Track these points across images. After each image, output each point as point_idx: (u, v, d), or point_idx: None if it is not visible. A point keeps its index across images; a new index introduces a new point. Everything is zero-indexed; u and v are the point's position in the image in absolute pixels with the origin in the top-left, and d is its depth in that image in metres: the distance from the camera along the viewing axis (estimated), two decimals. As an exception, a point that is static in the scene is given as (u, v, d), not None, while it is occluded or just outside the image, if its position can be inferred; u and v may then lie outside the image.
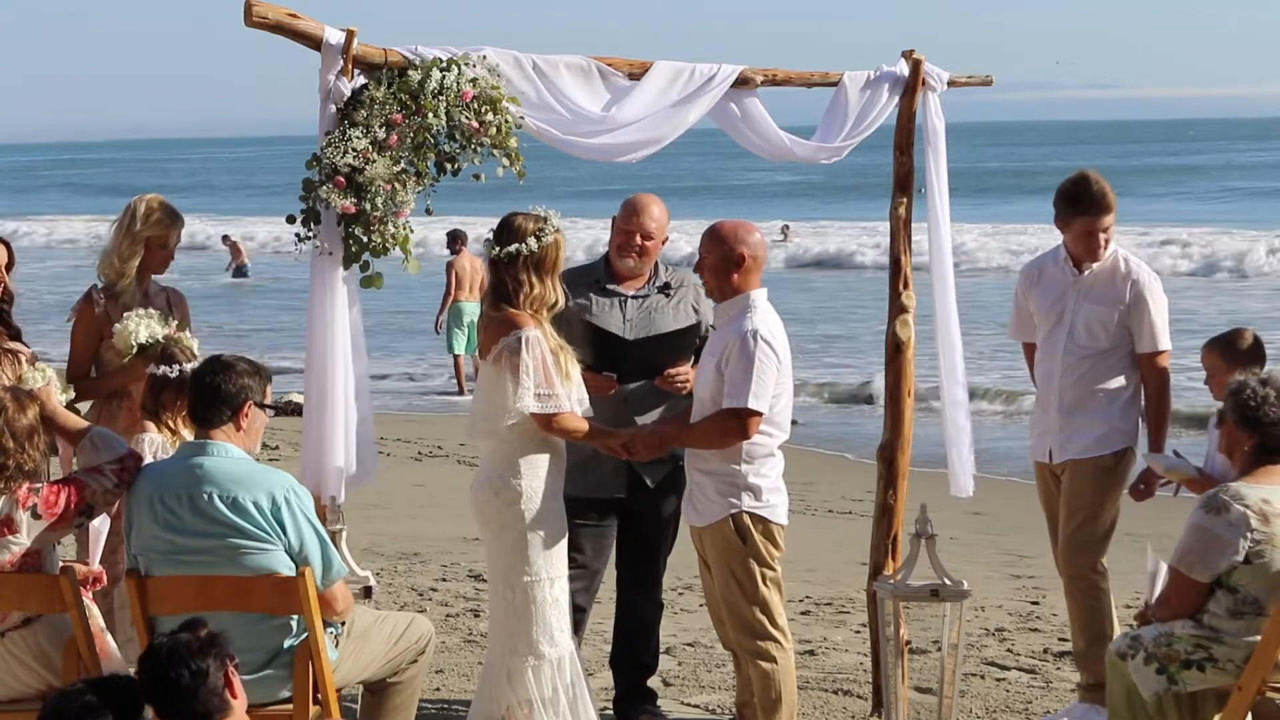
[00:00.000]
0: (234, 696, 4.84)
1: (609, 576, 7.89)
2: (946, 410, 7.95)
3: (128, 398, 7.56)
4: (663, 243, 7.64)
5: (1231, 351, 7.38)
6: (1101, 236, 7.70)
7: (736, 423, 6.75)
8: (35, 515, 6.05)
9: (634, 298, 7.57)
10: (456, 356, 21.36)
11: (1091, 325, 7.69)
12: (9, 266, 7.53)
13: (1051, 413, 7.79)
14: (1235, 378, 6.57)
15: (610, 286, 7.59)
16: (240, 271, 38.43)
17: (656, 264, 7.69)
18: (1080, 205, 7.70)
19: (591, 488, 7.44)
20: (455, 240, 21.77)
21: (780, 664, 6.94)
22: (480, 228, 6.68)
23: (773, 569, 6.92)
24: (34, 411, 6.18)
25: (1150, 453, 7.70)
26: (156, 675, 4.80)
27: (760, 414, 6.74)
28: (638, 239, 7.54)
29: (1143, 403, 7.76)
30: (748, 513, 6.86)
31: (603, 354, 7.29)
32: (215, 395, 6.10)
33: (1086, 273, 7.74)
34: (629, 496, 7.56)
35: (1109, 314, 7.67)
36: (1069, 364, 7.74)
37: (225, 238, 41.14)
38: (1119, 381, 7.68)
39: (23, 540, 6.06)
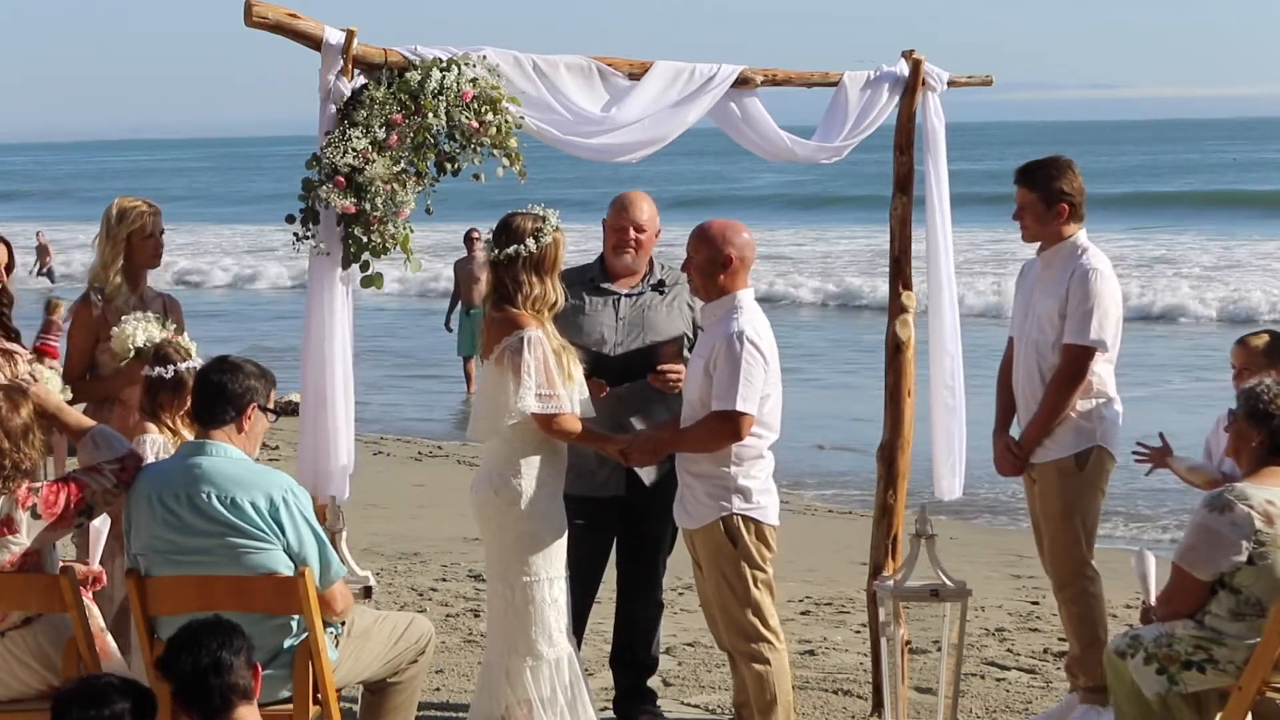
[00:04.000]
0: (256, 690, 4.89)
1: (609, 576, 7.89)
2: (937, 414, 7.91)
3: (120, 404, 7.57)
4: (655, 235, 7.64)
5: (1265, 348, 7.36)
6: (1021, 213, 7.60)
7: (728, 425, 6.74)
8: (35, 515, 6.05)
9: (627, 296, 7.58)
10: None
11: (1041, 320, 7.55)
12: (9, 268, 7.53)
13: (1021, 415, 7.74)
14: (1250, 381, 6.57)
15: (604, 285, 7.59)
16: (45, 272, 38.49)
17: (652, 261, 7.69)
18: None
19: (590, 487, 7.44)
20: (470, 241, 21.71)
21: (774, 665, 6.93)
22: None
23: (764, 570, 6.91)
24: (28, 410, 6.16)
25: (1180, 457, 7.64)
26: (190, 644, 4.83)
27: (751, 416, 6.73)
28: (631, 233, 7.54)
29: (1101, 408, 7.51)
30: (738, 514, 6.84)
31: (588, 367, 7.27)
32: (220, 395, 6.09)
33: (1043, 264, 7.61)
34: (628, 496, 7.56)
35: (1054, 307, 7.49)
36: (1027, 361, 7.63)
37: (39, 233, 40.78)
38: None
39: (22, 540, 6.06)
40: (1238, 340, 7.59)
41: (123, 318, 7.46)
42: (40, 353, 22.12)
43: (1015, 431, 7.75)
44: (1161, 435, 7.68)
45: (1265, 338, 7.49)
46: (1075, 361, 7.45)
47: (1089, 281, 7.43)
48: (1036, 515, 7.73)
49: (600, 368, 7.36)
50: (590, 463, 7.34)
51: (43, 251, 39.46)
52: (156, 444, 6.87)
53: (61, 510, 6.06)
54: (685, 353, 7.50)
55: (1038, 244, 7.66)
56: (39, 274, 38.61)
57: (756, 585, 6.89)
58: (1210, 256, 37.85)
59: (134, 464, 6.18)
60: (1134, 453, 7.67)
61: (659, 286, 7.63)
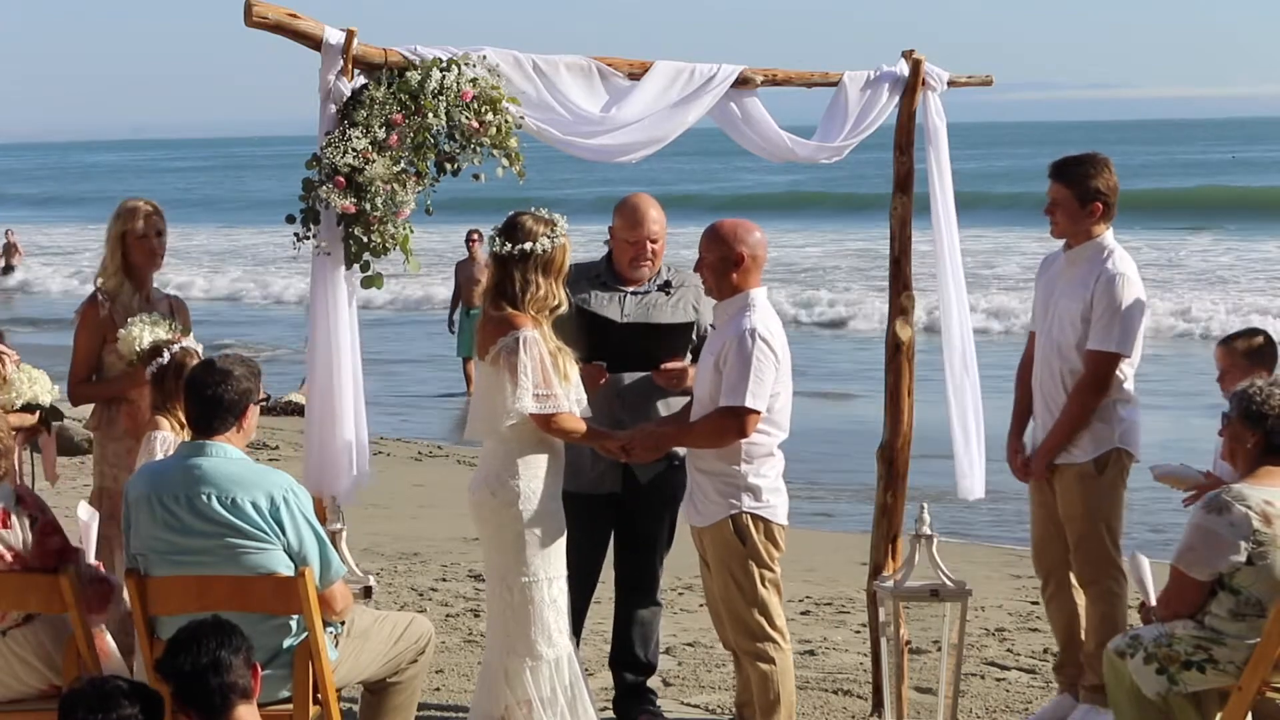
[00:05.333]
0: (255, 690, 4.90)
1: (607, 576, 7.89)
2: (954, 414, 7.92)
3: (128, 403, 7.57)
4: (664, 234, 7.66)
5: (1249, 350, 7.36)
6: (1053, 208, 7.59)
7: (734, 422, 6.75)
8: (34, 523, 6.10)
9: (633, 293, 7.58)
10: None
11: (1063, 320, 7.53)
12: None
13: (1036, 410, 7.75)
14: (1241, 382, 6.57)
15: (611, 283, 7.60)
16: (8, 269, 38.76)
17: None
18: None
19: (586, 484, 7.43)
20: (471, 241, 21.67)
21: (779, 665, 6.93)
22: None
23: (772, 570, 6.92)
24: None
25: (1155, 464, 7.64)
26: (190, 644, 4.85)
27: (758, 413, 6.74)
28: (647, 247, 7.55)
29: (1119, 409, 7.51)
30: (748, 513, 6.86)
31: (593, 340, 7.27)
32: (219, 405, 6.09)
33: (1068, 261, 7.61)
34: (623, 494, 7.57)
35: (1078, 309, 7.48)
36: (1046, 357, 7.62)
37: (8, 231, 41.19)
38: None
39: (12, 539, 6.09)
40: (1220, 342, 7.59)
41: (129, 319, 7.47)
42: None
43: (1035, 435, 7.76)
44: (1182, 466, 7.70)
45: (1249, 340, 7.47)
46: (1100, 368, 7.44)
47: (1115, 287, 7.42)
48: (1038, 507, 7.75)
49: (605, 336, 7.34)
50: (585, 460, 7.35)
51: (10, 250, 39.84)
52: (167, 441, 6.89)
53: (53, 545, 6.12)
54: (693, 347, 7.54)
55: (1064, 239, 7.66)
56: (1, 271, 39.06)
57: (764, 584, 6.90)
58: (1220, 259, 37.70)
59: (106, 589, 6.30)
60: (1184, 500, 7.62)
61: (665, 287, 7.64)
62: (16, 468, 6.78)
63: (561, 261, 6.73)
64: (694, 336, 7.59)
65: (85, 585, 6.20)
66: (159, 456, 6.72)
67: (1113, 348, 7.42)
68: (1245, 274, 34.51)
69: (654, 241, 7.55)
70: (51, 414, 7.42)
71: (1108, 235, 7.57)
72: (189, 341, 7.33)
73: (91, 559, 6.77)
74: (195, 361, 6.93)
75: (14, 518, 6.11)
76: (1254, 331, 7.61)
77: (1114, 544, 7.56)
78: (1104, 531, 7.52)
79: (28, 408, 7.16)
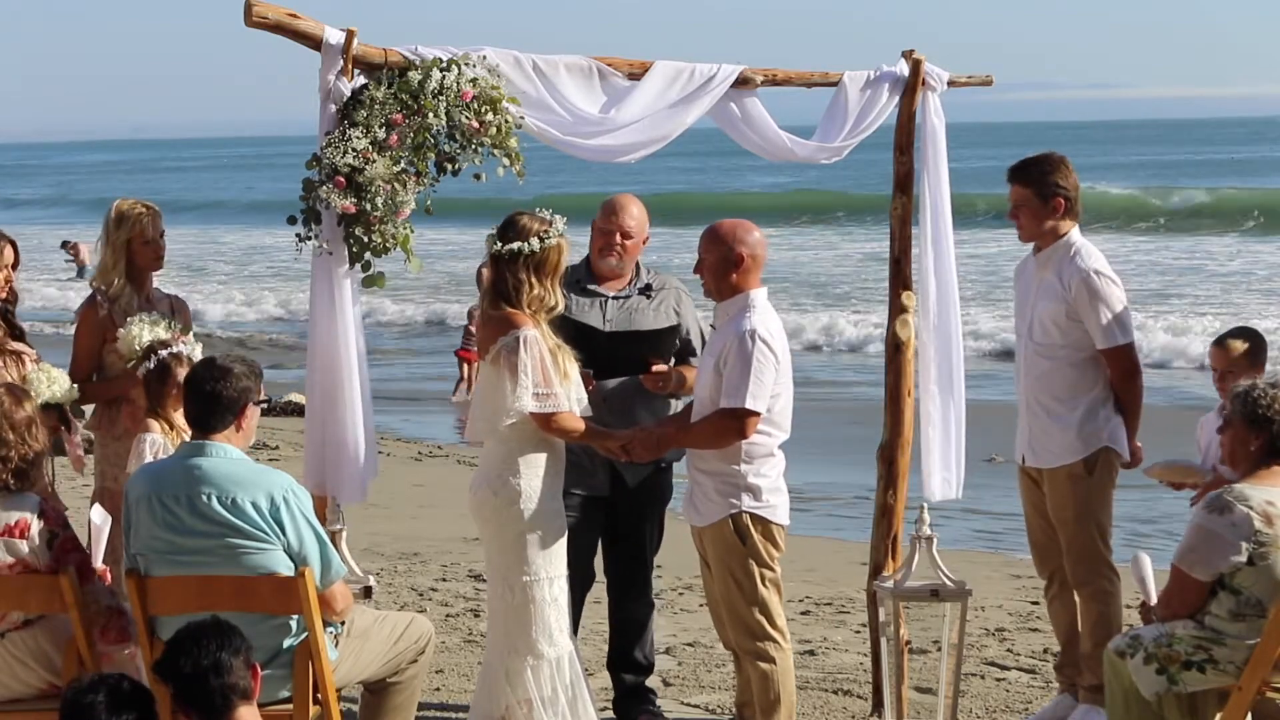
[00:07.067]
0: (255, 691, 4.90)
1: (603, 576, 7.89)
2: (932, 414, 7.90)
3: (128, 403, 7.58)
4: (643, 242, 7.65)
5: (1248, 349, 7.36)
6: (1016, 211, 7.64)
7: (734, 423, 6.76)
8: (51, 540, 6.10)
9: (614, 298, 7.59)
10: None
11: (1044, 321, 7.56)
12: (14, 266, 7.56)
13: (1021, 413, 7.75)
14: (1241, 382, 6.56)
15: (591, 287, 7.60)
16: (80, 273, 38.91)
17: (639, 265, 7.70)
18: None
19: (573, 484, 7.42)
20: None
21: (779, 664, 6.94)
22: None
23: (772, 569, 6.93)
24: (31, 405, 6.30)
25: (1156, 462, 7.64)
26: (190, 645, 4.85)
27: (758, 414, 6.75)
28: (618, 238, 7.56)
29: (1107, 409, 7.55)
30: (748, 513, 6.86)
31: (579, 349, 7.28)
32: (217, 402, 6.10)
33: (1039, 264, 7.65)
34: (611, 496, 7.58)
35: (1057, 310, 7.50)
36: (1029, 361, 7.65)
37: (64, 243, 41.26)
38: (1081, 383, 7.53)
39: (24, 549, 6.09)
40: (1215, 342, 7.59)
41: (128, 319, 7.48)
42: (460, 358, 22.44)
43: (1020, 439, 7.76)
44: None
45: (1243, 339, 7.47)
46: (1124, 360, 7.54)
47: (1093, 285, 7.46)
48: (1030, 508, 7.75)
49: (590, 344, 7.34)
50: (584, 460, 7.35)
51: (76, 252, 39.92)
52: (156, 444, 6.90)
53: (71, 563, 6.13)
54: (686, 349, 7.54)
55: (1034, 243, 7.69)
56: (78, 273, 39.16)
57: (764, 584, 6.91)
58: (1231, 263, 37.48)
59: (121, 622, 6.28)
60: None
61: (646, 290, 7.64)
62: (48, 477, 6.81)
63: (556, 262, 6.72)
64: (676, 340, 7.61)
65: (104, 614, 6.21)
66: (148, 458, 6.74)
67: (1122, 340, 7.51)
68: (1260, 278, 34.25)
69: (627, 236, 7.55)
70: (73, 411, 7.44)
71: (1074, 233, 7.60)
72: (189, 341, 7.33)
73: (99, 562, 6.79)
74: (183, 367, 6.95)
75: (34, 529, 6.12)
76: (1246, 331, 7.62)
77: (1104, 543, 7.58)
78: (1094, 532, 7.55)
79: (47, 407, 7.17)
